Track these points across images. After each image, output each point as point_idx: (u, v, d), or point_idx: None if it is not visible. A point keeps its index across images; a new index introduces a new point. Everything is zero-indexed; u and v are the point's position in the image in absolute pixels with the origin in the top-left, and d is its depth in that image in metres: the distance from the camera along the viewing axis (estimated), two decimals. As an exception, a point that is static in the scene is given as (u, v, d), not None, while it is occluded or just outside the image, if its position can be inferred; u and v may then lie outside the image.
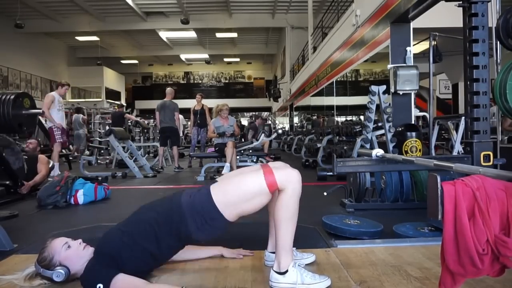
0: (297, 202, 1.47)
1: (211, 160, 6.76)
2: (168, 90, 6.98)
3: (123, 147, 6.11)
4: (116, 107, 11.29)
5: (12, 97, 2.60)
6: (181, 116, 8.42)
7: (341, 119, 12.07)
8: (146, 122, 11.50)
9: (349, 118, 12.32)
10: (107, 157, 8.56)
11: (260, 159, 6.50)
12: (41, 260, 1.47)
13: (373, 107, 3.70)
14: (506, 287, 1.44)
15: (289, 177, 1.45)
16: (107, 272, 1.37)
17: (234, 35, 16.53)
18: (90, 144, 10.20)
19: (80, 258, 1.47)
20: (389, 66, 4.40)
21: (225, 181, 1.52)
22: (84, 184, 3.70)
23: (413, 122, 4.41)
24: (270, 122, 15.21)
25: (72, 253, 1.48)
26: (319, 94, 11.28)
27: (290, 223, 1.47)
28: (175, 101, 6.92)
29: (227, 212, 1.43)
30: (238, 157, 5.74)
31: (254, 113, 20.90)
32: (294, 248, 1.65)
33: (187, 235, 1.45)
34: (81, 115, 9.76)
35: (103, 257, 1.43)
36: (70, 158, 8.01)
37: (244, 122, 15.97)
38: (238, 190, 1.45)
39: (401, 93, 4.29)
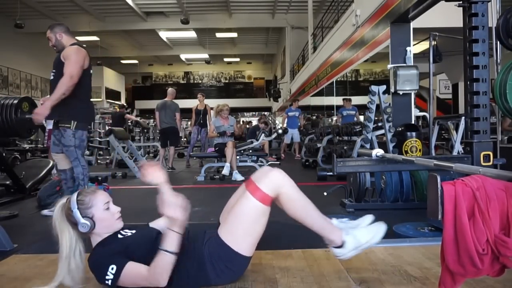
0: (298, 191, 1.46)
1: (211, 160, 6.76)
2: (170, 90, 6.98)
3: (123, 147, 6.11)
4: (117, 108, 11.28)
5: (15, 102, 2.61)
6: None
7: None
8: (146, 122, 11.50)
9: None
10: (107, 157, 8.56)
11: (260, 159, 6.50)
12: (80, 201, 1.42)
13: (373, 107, 3.70)
14: (506, 287, 1.44)
15: (274, 180, 1.43)
16: (122, 258, 1.34)
17: (234, 35, 16.52)
18: (90, 144, 10.20)
19: (109, 226, 1.45)
20: (389, 66, 4.39)
21: (225, 219, 1.48)
22: (84, 184, 3.69)
23: (413, 122, 4.41)
24: (270, 121, 15.17)
25: (107, 218, 1.45)
26: (319, 94, 11.28)
27: (308, 207, 1.46)
28: (175, 101, 6.92)
29: (242, 247, 1.41)
30: (238, 157, 5.74)
31: (262, 113, 20.86)
32: (334, 219, 1.58)
33: (207, 283, 1.44)
34: None
35: (126, 249, 1.39)
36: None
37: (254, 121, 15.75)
38: (240, 222, 1.42)
39: (401, 93, 4.28)
